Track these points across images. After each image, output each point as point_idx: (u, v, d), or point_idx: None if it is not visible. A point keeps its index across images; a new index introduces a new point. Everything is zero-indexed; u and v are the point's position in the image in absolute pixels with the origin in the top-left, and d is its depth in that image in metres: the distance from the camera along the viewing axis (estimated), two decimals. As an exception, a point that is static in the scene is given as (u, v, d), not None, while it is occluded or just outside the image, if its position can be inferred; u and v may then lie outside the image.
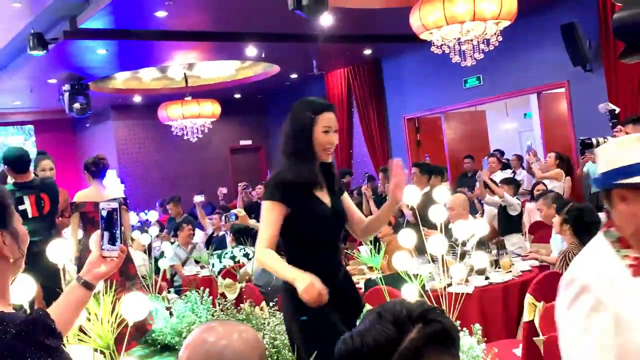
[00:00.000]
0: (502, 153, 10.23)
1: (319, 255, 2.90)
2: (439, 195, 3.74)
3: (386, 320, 1.21)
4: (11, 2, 7.13)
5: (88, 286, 1.81)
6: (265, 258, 2.80)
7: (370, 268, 5.25)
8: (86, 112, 10.72)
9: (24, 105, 13.33)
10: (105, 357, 2.30)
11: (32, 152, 14.42)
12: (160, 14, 7.60)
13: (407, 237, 3.79)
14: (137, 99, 12.81)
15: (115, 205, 1.88)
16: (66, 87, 10.58)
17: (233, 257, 6.06)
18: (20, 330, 1.36)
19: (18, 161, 5.05)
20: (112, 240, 1.85)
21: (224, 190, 10.26)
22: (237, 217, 5.91)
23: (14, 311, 1.48)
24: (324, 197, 2.95)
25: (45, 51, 7.99)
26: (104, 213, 1.87)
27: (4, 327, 1.37)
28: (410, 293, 3.71)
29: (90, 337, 2.32)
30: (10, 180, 5.13)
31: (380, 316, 1.23)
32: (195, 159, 13.74)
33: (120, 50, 9.18)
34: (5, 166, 5.13)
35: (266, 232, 2.82)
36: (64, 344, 1.49)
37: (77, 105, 10.58)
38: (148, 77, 12.05)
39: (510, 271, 5.00)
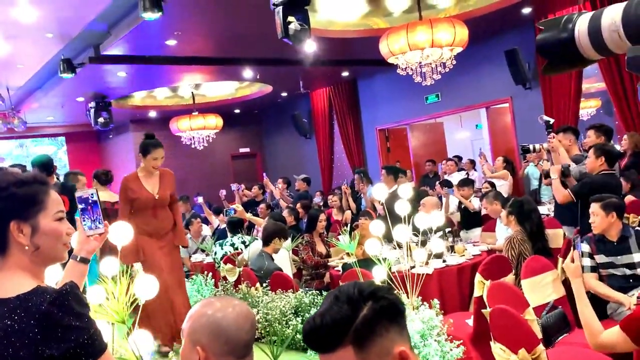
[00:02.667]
0: (459, 158, 10.31)
1: None
2: (403, 192, 3.74)
3: (341, 300, 1.21)
4: (45, 32, 7.07)
5: (84, 261, 1.85)
6: None
7: (348, 254, 5.27)
8: (109, 125, 10.66)
9: (56, 120, 13.22)
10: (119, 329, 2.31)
11: (64, 159, 14.35)
12: (171, 42, 7.57)
13: (377, 227, 3.79)
14: (153, 114, 12.74)
15: (91, 191, 1.88)
16: (92, 104, 10.52)
17: (233, 245, 6.04)
18: (55, 299, 1.37)
19: (43, 166, 5.02)
20: (95, 221, 1.85)
21: (224, 192, 10.22)
22: (235, 211, 5.89)
23: (48, 284, 1.49)
24: None
25: (73, 74, 7.93)
26: (81, 201, 1.86)
27: (42, 295, 1.38)
28: (379, 274, 3.72)
29: (108, 313, 2.30)
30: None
31: (337, 298, 1.22)
32: (201, 164, 13.68)
33: (137, 73, 9.12)
34: (33, 170, 5.06)
35: None
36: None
37: (101, 120, 10.52)
38: (161, 95, 11.99)
39: (464, 255, 5.03)
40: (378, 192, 3.89)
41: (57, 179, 5.47)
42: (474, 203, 6.59)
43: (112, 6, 6.42)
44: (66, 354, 1.34)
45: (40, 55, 8.03)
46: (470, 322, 3.92)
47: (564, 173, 4.77)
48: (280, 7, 5.45)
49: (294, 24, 5.43)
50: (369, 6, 7.65)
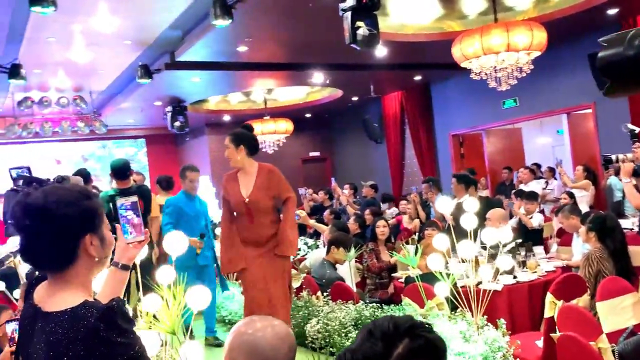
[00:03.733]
0: (538, 166, 9.89)
1: None
2: (468, 206, 3.59)
3: (375, 337, 1.14)
4: (123, 40, 7.38)
5: (125, 268, 1.84)
6: None
7: (413, 265, 5.13)
8: (184, 129, 10.99)
9: (136, 123, 13.79)
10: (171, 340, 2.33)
11: (144, 161, 14.94)
12: (242, 48, 7.70)
13: (441, 241, 3.66)
14: (227, 118, 13.02)
15: (134, 199, 1.86)
16: (168, 108, 10.89)
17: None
18: (102, 315, 1.37)
19: (121, 170, 5.12)
20: (136, 228, 1.83)
21: None
22: (299, 217, 5.84)
23: (96, 300, 1.50)
24: None
25: (150, 79, 8.24)
26: (123, 207, 1.84)
27: (89, 311, 1.39)
28: (441, 290, 3.59)
29: (160, 322, 2.32)
30: (114, 185, 5.24)
31: (371, 333, 1.15)
32: (272, 168, 13.81)
33: (210, 79, 9.34)
34: (111, 173, 5.23)
35: None
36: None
37: (177, 123, 10.88)
38: (235, 100, 12.24)
39: (536, 271, 4.77)
40: (442, 204, 3.76)
41: (134, 181, 5.64)
42: (536, 219, 6.20)
43: (186, 13, 6.61)
44: None
45: (120, 62, 8.39)
46: (540, 343, 3.71)
47: (637, 172, 4.34)
48: (349, 12, 5.41)
49: (363, 29, 5.38)
50: (442, 9, 7.47)
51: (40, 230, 1.45)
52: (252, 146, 4.08)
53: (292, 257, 4.04)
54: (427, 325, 1.17)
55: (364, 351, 1.13)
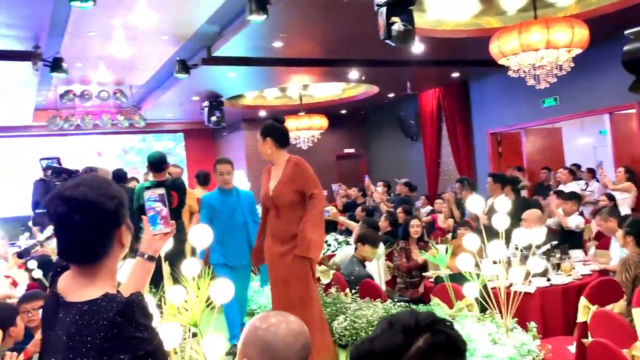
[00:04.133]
0: (578, 166, 9.64)
1: None
2: (500, 206, 3.51)
3: (396, 329, 1.12)
4: (161, 35, 7.48)
5: (152, 259, 1.84)
6: None
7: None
8: (220, 124, 11.09)
9: (174, 117, 13.98)
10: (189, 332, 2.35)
11: (182, 155, 15.16)
12: (277, 44, 7.72)
13: (471, 241, 3.60)
14: (263, 113, 13.09)
15: (160, 191, 1.86)
16: (205, 103, 11.00)
17: (326, 242, 5.94)
18: (122, 309, 1.38)
19: (157, 163, 5.17)
20: (162, 220, 1.83)
21: (325, 192, 10.20)
22: (329, 213, 5.76)
23: (117, 292, 1.51)
24: None
25: (187, 74, 8.34)
26: (150, 199, 1.85)
27: (109, 304, 1.40)
28: (470, 290, 3.53)
29: (182, 315, 2.34)
30: (150, 177, 5.32)
31: (391, 324, 1.13)
32: (307, 163, 13.84)
33: (246, 74, 9.38)
34: (148, 165, 5.31)
35: None
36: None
37: (214, 118, 10.98)
38: (271, 95, 12.30)
39: (571, 274, 4.64)
40: (473, 204, 3.68)
41: (169, 174, 5.71)
42: (574, 221, 5.99)
43: (223, 8, 6.65)
44: None
45: (158, 56, 8.51)
46: (572, 348, 3.61)
47: None
48: (384, 7, 5.35)
49: (398, 25, 5.31)
50: (481, 5, 7.33)
51: (85, 224, 1.46)
52: (280, 138, 3.94)
53: (314, 258, 3.79)
54: (448, 322, 1.14)
55: (383, 342, 1.11)
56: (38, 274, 4.92)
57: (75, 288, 1.48)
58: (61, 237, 1.49)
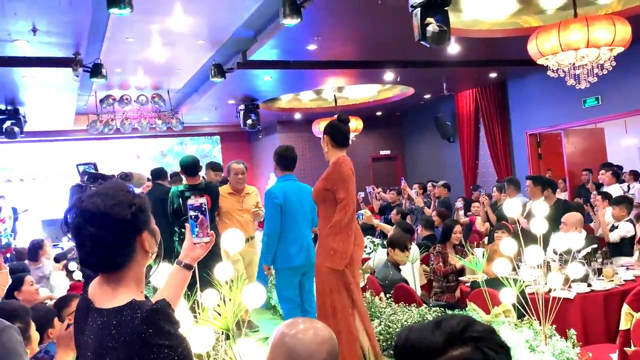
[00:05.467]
0: (620, 168, 9.34)
1: None
2: (537, 210, 3.43)
3: (440, 329, 1.05)
4: (197, 40, 7.59)
5: (189, 267, 1.85)
6: None
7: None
8: (256, 127, 11.19)
9: (211, 120, 14.17)
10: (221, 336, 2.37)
11: (218, 157, 15.34)
12: (312, 47, 7.74)
13: (508, 245, 3.52)
14: (298, 116, 13.15)
15: (202, 200, 1.88)
16: (241, 106, 11.13)
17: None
18: (147, 316, 1.39)
19: (190, 167, 5.21)
20: (203, 229, 1.85)
21: (362, 194, 10.14)
22: (362, 216, 5.72)
23: (144, 299, 1.51)
24: None
25: (223, 78, 8.44)
26: (192, 208, 1.86)
27: (135, 311, 1.41)
28: (507, 296, 3.46)
29: (215, 319, 2.36)
30: (184, 181, 5.38)
31: (438, 324, 1.06)
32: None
33: (281, 77, 9.45)
34: (181, 169, 5.36)
35: None
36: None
37: (249, 121, 11.10)
38: (306, 98, 12.34)
39: (613, 280, 4.50)
40: (510, 207, 3.61)
41: (203, 178, 5.76)
42: (621, 230, 5.71)
43: (257, 13, 6.70)
44: None
45: (194, 61, 8.64)
46: (615, 357, 3.50)
47: None
48: (419, 8, 5.29)
49: (433, 26, 5.25)
50: (519, 4, 7.20)
51: (99, 235, 1.45)
52: (336, 137, 3.83)
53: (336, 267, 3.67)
54: (498, 344, 1.05)
55: (421, 337, 1.06)
56: (78, 275, 5.04)
57: (101, 294, 1.50)
58: (79, 247, 1.50)
